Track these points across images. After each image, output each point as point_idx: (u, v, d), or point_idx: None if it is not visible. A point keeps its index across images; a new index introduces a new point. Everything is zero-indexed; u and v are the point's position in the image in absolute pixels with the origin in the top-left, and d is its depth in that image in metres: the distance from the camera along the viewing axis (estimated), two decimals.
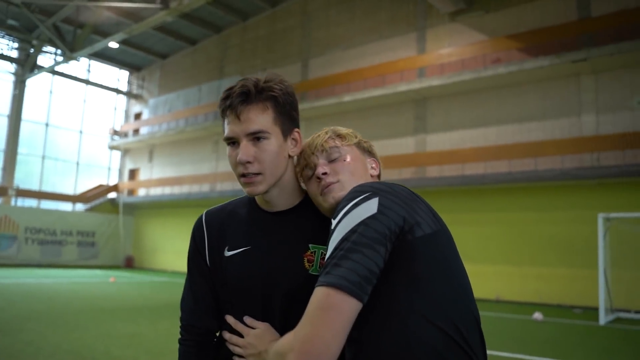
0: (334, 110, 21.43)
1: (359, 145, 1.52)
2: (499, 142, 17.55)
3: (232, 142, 1.38)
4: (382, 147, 20.00)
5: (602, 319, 11.89)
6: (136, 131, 32.47)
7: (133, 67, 33.70)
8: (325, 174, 1.40)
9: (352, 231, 1.15)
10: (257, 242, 1.43)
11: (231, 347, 1.41)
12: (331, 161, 1.44)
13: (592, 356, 7.82)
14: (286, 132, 1.41)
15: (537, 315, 12.09)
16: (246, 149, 1.34)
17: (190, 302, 1.51)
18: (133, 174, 33.32)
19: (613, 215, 13.12)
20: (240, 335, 1.41)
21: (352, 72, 21.19)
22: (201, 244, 1.51)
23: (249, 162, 1.35)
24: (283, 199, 1.46)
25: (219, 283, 1.47)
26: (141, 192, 31.71)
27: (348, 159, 1.45)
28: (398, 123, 20.23)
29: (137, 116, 33.96)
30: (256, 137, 1.35)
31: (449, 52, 18.81)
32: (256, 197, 1.49)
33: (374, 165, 1.54)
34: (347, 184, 1.39)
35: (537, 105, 17.16)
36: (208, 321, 1.49)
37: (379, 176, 1.55)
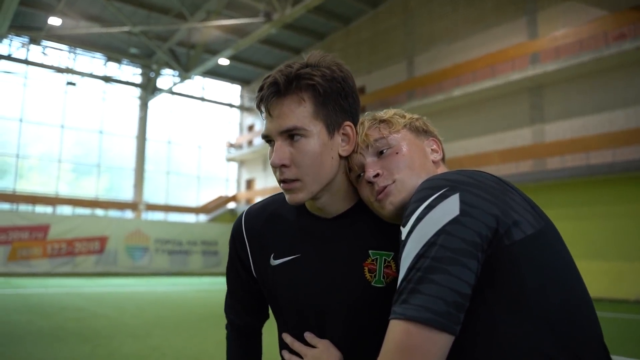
0: (443, 106, 20.79)
1: (410, 127, 1.23)
2: (629, 126, 15.93)
3: (269, 140, 1.19)
4: (497, 141, 19.24)
5: None
6: (250, 142, 33.78)
7: (243, 81, 35.10)
8: (377, 175, 1.15)
9: (430, 244, 0.91)
10: (308, 250, 1.25)
11: None
12: (380, 156, 1.18)
13: None
14: (333, 127, 1.18)
15: None
16: (280, 150, 1.15)
17: (229, 302, 1.48)
18: (249, 183, 34.65)
19: None
20: (299, 356, 1.23)
21: (459, 66, 20.41)
22: (242, 250, 1.37)
23: (284, 166, 1.15)
24: (336, 205, 1.25)
25: (267, 294, 1.33)
26: (258, 200, 32.79)
27: (401, 150, 1.17)
28: (512, 114, 19.14)
29: (250, 128, 35.32)
30: (291, 135, 1.15)
31: (564, 33, 17.43)
32: (309, 202, 1.28)
33: (434, 146, 1.25)
34: (408, 182, 1.14)
35: None
36: (249, 318, 1.45)
37: (443, 159, 1.26)
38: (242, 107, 35.87)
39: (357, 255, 1.20)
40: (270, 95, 1.14)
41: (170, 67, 28.79)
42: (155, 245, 27.95)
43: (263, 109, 1.18)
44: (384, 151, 1.18)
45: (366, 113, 1.30)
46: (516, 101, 19.00)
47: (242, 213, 1.40)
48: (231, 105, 35.78)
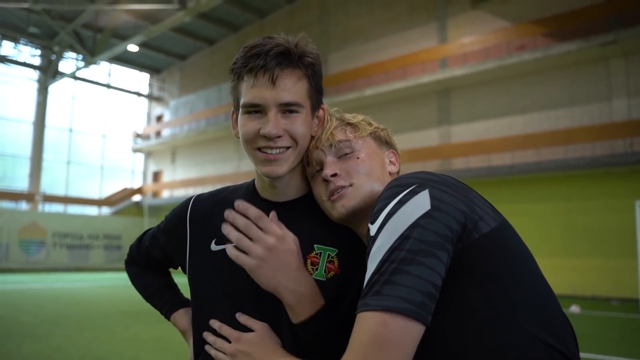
0: (356, 105, 21.11)
1: (375, 135, 1.25)
2: (526, 131, 17.10)
3: (255, 110, 1.15)
4: (406, 140, 19.75)
5: None
6: (158, 133, 32.71)
7: (153, 70, 33.89)
8: (334, 175, 1.15)
9: (405, 237, 0.90)
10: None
11: (214, 353, 1.16)
12: (341, 157, 1.18)
13: (635, 351, 7.45)
14: (315, 108, 1.23)
15: (575, 309, 11.69)
16: (276, 121, 1.13)
17: (137, 252, 1.55)
18: (157, 176, 33.57)
19: None
20: (228, 341, 1.16)
21: (372, 66, 20.89)
22: (181, 233, 1.34)
23: (278, 137, 1.14)
24: (293, 187, 1.26)
25: (201, 280, 1.27)
26: (165, 194, 31.91)
27: (362, 156, 1.18)
28: (421, 115, 19.90)
29: (159, 118, 34.19)
30: (289, 109, 1.15)
31: (471, 40, 18.36)
32: (258, 184, 1.29)
33: (392, 158, 1.27)
34: (363, 188, 1.14)
35: (565, 92, 16.61)
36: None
37: (397, 172, 1.27)
38: (150, 97, 34.61)
39: (302, 246, 1.17)
40: (276, 64, 1.12)
41: (74, 50, 27.25)
42: (52, 239, 26.35)
43: (259, 75, 1.12)
44: (347, 154, 1.18)
45: (334, 109, 1.29)
46: (425, 103, 19.74)
47: (191, 197, 1.38)
48: (139, 94, 34.44)
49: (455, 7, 19.52)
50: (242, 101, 1.15)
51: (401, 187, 0.97)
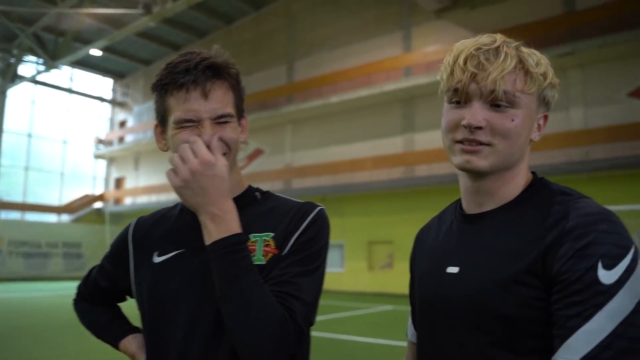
0: (321, 111, 21.30)
1: (541, 94, 1.05)
2: None
3: (188, 125, 1.17)
4: (371, 147, 20.03)
5: None
6: (121, 139, 32.10)
7: (117, 75, 33.33)
8: (479, 128, 1.00)
9: None
10: (192, 242, 1.23)
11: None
12: (493, 106, 1.01)
13: None
14: (240, 116, 1.27)
15: None
16: (212, 132, 1.16)
17: (87, 285, 1.52)
18: (119, 182, 32.93)
19: (609, 208, 12.79)
20: None
21: (338, 73, 21.03)
22: (124, 253, 1.37)
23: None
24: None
25: (144, 293, 1.29)
26: (128, 200, 31.31)
27: (518, 119, 1.01)
28: (386, 123, 20.08)
29: (122, 124, 33.60)
30: (222, 121, 1.19)
31: (435, 49, 18.66)
32: None
33: (542, 122, 1.09)
34: (501, 154, 1.01)
35: None
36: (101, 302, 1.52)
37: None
38: (114, 102, 34.00)
39: None
40: (206, 77, 1.15)
41: (35, 53, 26.50)
42: (9, 247, 25.50)
43: (191, 89, 1.15)
44: (501, 106, 1.01)
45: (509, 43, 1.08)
46: (389, 110, 19.96)
47: (133, 220, 1.43)
48: (102, 99, 33.78)
49: (419, 17, 19.82)
50: (174, 117, 1.17)
51: (628, 239, 0.91)
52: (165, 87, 1.18)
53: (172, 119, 1.17)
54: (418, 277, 1.21)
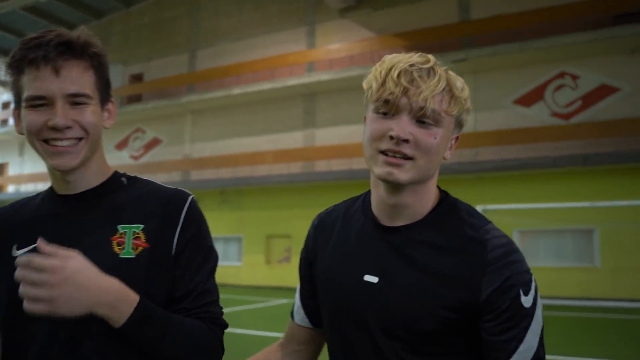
0: (223, 102, 20.95)
1: (459, 118, 1.12)
2: None
3: (41, 104, 1.10)
4: (272, 141, 19.97)
5: None
6: (4, 122, 29.63)
7: (2, 52, 30.75)
8: (406, 141, 1.03)
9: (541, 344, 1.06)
10: (53, 233, 1.15)
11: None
12: (418, 122, 1.04)
13: None
14: (104, 101, 1.20)
15: None
16: (64, 112, 1.09)
17: None
18: (1, 168, 30.41)
19: (490, 207, 13.72)
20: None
21: (241, 65, 20.80)
22: None
23: (68, 128, 1.10)
24: (90, 177, 1.22)
25: (5, 290, 1.16)
26: (10, 188, 29.02)
27: (439, 136, 1.06)
28: (287, 117, 20.06)
29: (6, 105, 31.02)
30: (76, 101, 1.11)
31: (338, 47, 18.98)
32: (52, 180, 1.23)
33: (453, 143, 1.16)
34: (420, 169, 1.06)
35: None
36: None
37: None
38: None
39: (105, 230, 1.17)
40: (58, 53, 1.09)
41: None
42: None
43: (41, 67, 1.08)
44: (426, 124, 1.05)
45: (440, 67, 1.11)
46: (291, 105, 19.98)
47: None
48: None
49: (324, 14, 19.98)
50: (25, 94, 1.10)
51: (526, 262, 1.07)
52: (17, 65, 1.11)
53: (24, 98, 1.11)
54: (326, 275, 1.22)
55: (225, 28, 22.23)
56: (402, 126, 1.02)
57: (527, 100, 16.60)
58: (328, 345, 1.25)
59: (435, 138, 1.04)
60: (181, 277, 1.18)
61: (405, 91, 1.02)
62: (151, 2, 24.90)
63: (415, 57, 1.07)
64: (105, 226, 1.18)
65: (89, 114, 1.12)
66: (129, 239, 1.17)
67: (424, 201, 1.12)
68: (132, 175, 1.30)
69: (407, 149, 1.03)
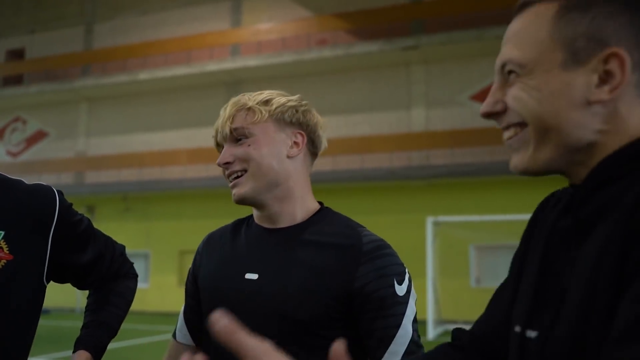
0: (128, 90, 18.89)
1: (277, 117, 1.28)
2: (330, 136, 16.08)
3: None
4: (186, 138, 18.30)
5: (431, 333, 11.78)
6: None
7: None
8: (227, 163, 1.27)
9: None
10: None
11: None
12: (236, 143, 1.27)
13: None
14: None
15: None
16: None
17: None
18: None
19: (442, 218, 13.28)
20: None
21: (150, 44, 18.77)
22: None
23: None
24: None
25: None
26: None
27: (255, 143, 1.25)
28: (207, 109, 17.73)
29: None
30: None
31: (268, 27, 17.74)
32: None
33: (297, 139, 1.30)
34: (254, 176, 1.24)
35: (365, 96, 16.75)
36: None
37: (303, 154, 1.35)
38: None
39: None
40: None
41: None
42: None
43: None
44: (240, 140, 1.28)
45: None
46: (212, 94, 17.92)
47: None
48: None
49: None
50: None
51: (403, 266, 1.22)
52: None
53: None
54: (210, 282, 1.32)
55: None
56: (222, 153, 1.27)
57: (486, 96, 15.17)
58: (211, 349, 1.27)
59: (249, 145, 1.23)
60: (93, 270, 1.39)
61: (218, 127, 1.29)
62: None
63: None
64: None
65: None
66: None
67: (297, 207, 1.27)
68: None
69: (235, 167, 1.24)
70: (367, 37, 16.13)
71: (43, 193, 1.23)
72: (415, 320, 1.17)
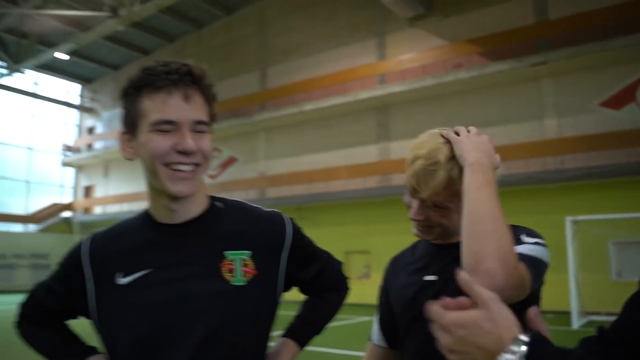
0: (295, 119, 21.06)
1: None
2: None
3: (168, 129, 1.14)
4: (345, 156, 19.84)
5: (575, 323, 11.86)
6: (90, 146, 31.25)
7: (84, 80, 32.42)
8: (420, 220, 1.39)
9: None
10: (158, 261, 1.20)
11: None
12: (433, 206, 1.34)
13: None
14: (209, 129, 1.22)
15: None
16: (192, 137, 1.14)
17: (32, 307, 1.39)
18: (88, 191, 32.04)
19: (581, 217, 13.12)
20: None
21: (312, 80, 20.76)
22: (78, 275, 1.26)
23: (193, 153, 1.15)
24: (192, 206, 1.24)
25: (116, 316, 1.21)
26: (97, 209, 30.50)
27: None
28: (361, 131, 19.86)
29: (90, 130, 32.70)
30: (198, 129, 1.16)
31: (409, 57, 18.63)
32: (153, 208, 1.26)
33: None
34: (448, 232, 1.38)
35: (499, 110, 17.02)
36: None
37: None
38: (81, 107, 33.03)
39: (212, 258, 1.21)
40: (187, 82, 1.14)
41: None
42: None
43: (173, 92, 1.13)
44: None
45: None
46: (364, 118, 19.76)
47: (81, 240, 1.32)
48: (69, 105, 32.77)
49: (393, 25, 19.67)
50: (151, 119, 1.13)
51: None
52: (139, 90, 1.15)
53: (146, 122, 1.13)
54: (399, 289, 1.48)
55: (295, 44, 22.34)
56: (416, 211, 1.39)
57: (616, 102, 15.54)
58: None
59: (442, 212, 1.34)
60: (310, 285, 1.45)
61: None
62: (222, 23, 25.48)
63: None
64: (212, 254, 1.22)
65: (207, 141, 1.18)
66: (239, 266, 1.22)
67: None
68: (222, 197, 1.34)
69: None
70: (498, 57, 16.36)
71: (278, 219, 1.31)
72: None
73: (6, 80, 28.12)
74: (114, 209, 28.93)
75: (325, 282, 1.46)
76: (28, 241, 27.22)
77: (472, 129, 1.31)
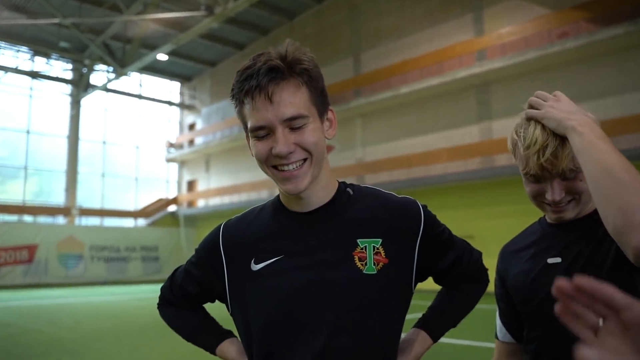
0: (391, 103, 20.64)
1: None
2: None
3: (263, 134, 1.16)
4: (445, 138, 19.26)
5: None
6: (191, 142, 32.69)
7: (183, 78, 33.92)
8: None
9: None
10: (291, 248, 1.23)
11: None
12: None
13: None
14: (322, 112, 1.23)
15: None
16: (285, 138, 1.14)
17: (171, 290, 1.48)
18: (191, 185, 33.53)
19: None
20: None
21: (407, 62, 20.19)
22: (216, 260, 1.31)
23: (290, 153, 1.15)
24: (318, 195, 1.26)
25: (251, 302, 1.24)
26: (200, 203, 31.80)
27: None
28: (460, 111, 19.16)
29: (191, 127, 34.20)
30: (293, 125, 1.15)
31: (509, 30, 17.62)
32: (283, 197, 1.29)
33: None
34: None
35: (613, 79, 15.73)
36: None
37: None
38: (182, 105, 34.63)
39: (345, 245, 1.22)
40: (269, 80, 1.12)
41: (105, 62, 27.31)
42: (90, 252, 26.44)
43: (256, 96, 1.13)
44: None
45: None
46: (463, 98, 19.01)
47: (219, 225, 1.37)
48: (170, 103, 34.48)
49: None
50: (249, 125, 1.17)
51: None
52: (237, 97, 1.17)
53: (248, 129, 1.18)
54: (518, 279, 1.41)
55: (387, 27, 21.96)
56: (558, 190, 1.28)
57: None
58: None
59: (581, 180, 1.25)
60: (448, 274, 1.38)
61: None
62: (312, 12, 25.63)
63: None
64: (345, 241, 1.22)
65: (309, 134, 1.15)
66: (370, 254, 1.22)
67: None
68: (352, 184, 1.35)
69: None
70: (610, 22, 15.13)
71: (411, 206, 1.27)
72: None
73: (114, 84, 29.99)
74: (215, 201, 30.03)
75: (462, 272, 1.40)
76: (138, 235, 28.87)
77: (545, 95, 1.33)
